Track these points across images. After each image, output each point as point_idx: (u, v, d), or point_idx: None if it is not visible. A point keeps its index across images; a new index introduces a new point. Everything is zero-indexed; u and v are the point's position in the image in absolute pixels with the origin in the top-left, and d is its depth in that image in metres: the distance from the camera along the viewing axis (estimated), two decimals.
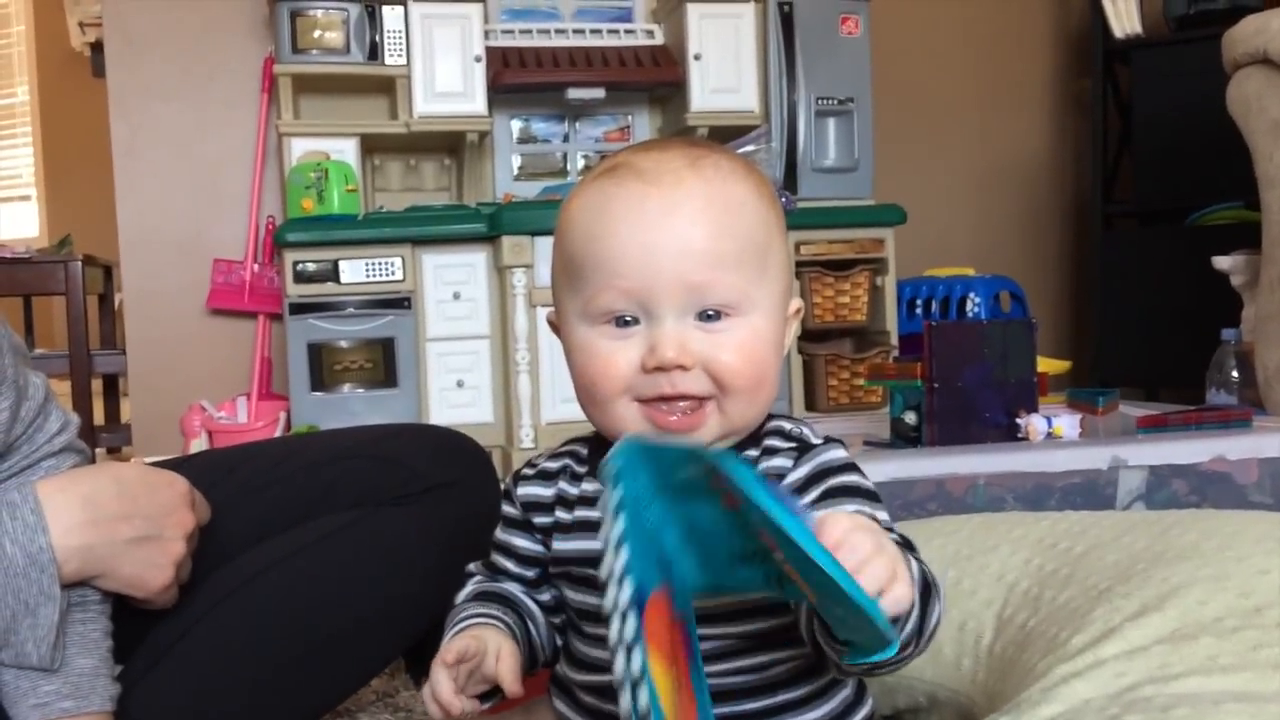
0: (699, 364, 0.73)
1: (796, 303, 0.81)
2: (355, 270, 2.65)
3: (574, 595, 0.81)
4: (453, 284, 2.73)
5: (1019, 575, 1.02)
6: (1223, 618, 0.83)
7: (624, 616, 0.58)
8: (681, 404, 0.74)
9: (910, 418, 1.70)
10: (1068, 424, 1.69)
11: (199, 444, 2.71)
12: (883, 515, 0.74)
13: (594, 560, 0.73)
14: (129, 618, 0.91)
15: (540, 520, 0.83)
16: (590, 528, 0.78)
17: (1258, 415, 1.87)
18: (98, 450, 3.19)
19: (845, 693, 0.80)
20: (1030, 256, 3.71)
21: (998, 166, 3.71)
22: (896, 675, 0.96)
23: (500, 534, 0.86)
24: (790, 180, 2.90)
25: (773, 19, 2.92)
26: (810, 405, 2.86)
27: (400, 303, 2.68)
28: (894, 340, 2.85)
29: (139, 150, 3.02)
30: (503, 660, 0.76)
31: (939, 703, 1.02)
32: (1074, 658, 0.82)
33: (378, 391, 2.68)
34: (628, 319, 0.74)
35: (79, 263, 3.08)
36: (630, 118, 3.20)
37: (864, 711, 0.81)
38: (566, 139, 3.17)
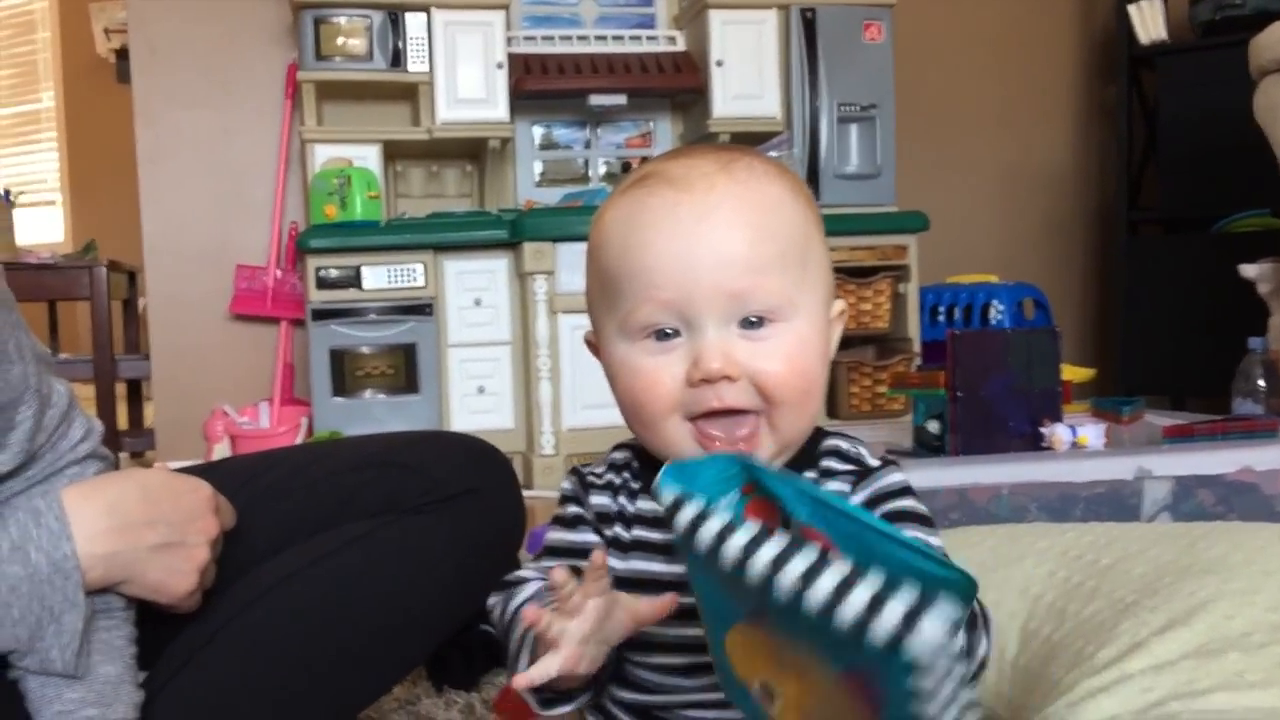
0: (745, 376, 0.70)
1: (840, 304, 0.78)
2: (377, 276, 2.66)
3: None
4: (474, 290, 2.74)
5: (1044, 588, 1.01)
6: (1250, 632, 0.82)
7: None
8: (736, 431, 0.71)
9: (933, 426, 1.69)
10: (1092, 433, 1.68)
11: (221, 449, 2.73)
12: (936, 541, 0.72)
13: (651, 583, 0.74)
14: (153, 625, 0.91)
15: (606, 533, 0.80)
16: (649, 549, 0.76)
17: None
18: (121, 455, 3.21)
19: None
20: (1054, 263, 3.69)
21: (1021, 173, 3.69)
22: None
23: (564, 534, 0.80)
24: (812, 187, 2.89)
25: (795, 25, 2.91)
26: (832, 413, 2.85)
27: (422, 309, 2.69)
28: (916, 347, 2.84)
29: (163, 156, 3.04)
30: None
31: None
32: (1100, 672, 0.81)
33: (399, 397, 2.69)
34: (668, 331, 0.71)
35: (103, 268, 3.10)
36: (652, 124, 3.20)
37: None
38: (588, 145, 3.18)
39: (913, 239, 2.88)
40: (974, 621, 0.67)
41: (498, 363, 2.76)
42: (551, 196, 3.07)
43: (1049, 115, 3.72)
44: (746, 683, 0.61)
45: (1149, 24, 3.35)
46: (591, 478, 0.81)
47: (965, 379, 1.64)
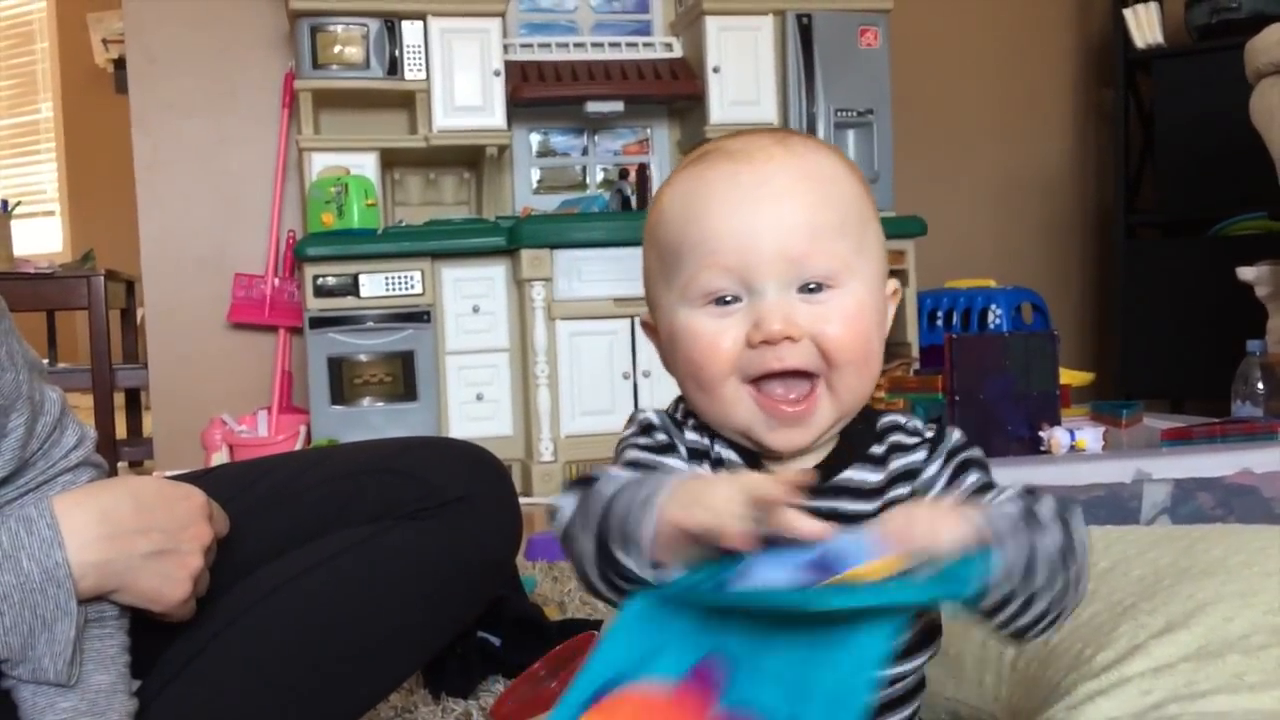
0: (806, 336, 0.71)
1: (894, 283, 0.78)
2: (375, 284, 2.66)
3: None
4: (472, 297, 2.74)
5: None
6: (1249, 634, 0.81)
7: None
8: (793, 394, 0.72)
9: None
10: (1091, 437, 1.68)
11: (220, 457, 2.72)
12: (994, 478, 0.76)
13: None
14: (147, 633, 0.91)
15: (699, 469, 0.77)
16: None
17: None
18: (120, 464, 3.20)
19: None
20: (1052, 268, 3.69)
21: (1019, 177, 3.69)
22: None
23: (655, 458, 0.76)
24: None
25: (791, 31, 2.92)
26: None
27: (420, 316, 2.69)
28: (915, 352, 2.84)
29: (161, 166, 3.04)
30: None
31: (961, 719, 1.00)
32: (1099, 675, 0.81)
33: (397, 405, 2.69)
34: (728, 298, 0.72)
35: (101, 277, 3.10)
36: (649, 130, 3.20)
37: None
38: (585, 152, 3.18)
39: (910, 244, 2.88)
40: (1032, 519, 0.66)
41: (496, 370, 2.75)
42: (549, 203, 3.07)
43: (1046, 120, 3.72)
44: None
45: (1145, 28, 3.35)
46: (679, 418, 0.79)
47: (963, 382, 1.64)
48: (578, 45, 3.00)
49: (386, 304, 2.67)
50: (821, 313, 0.71)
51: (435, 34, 2.83)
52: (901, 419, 0.79)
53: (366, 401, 2.69)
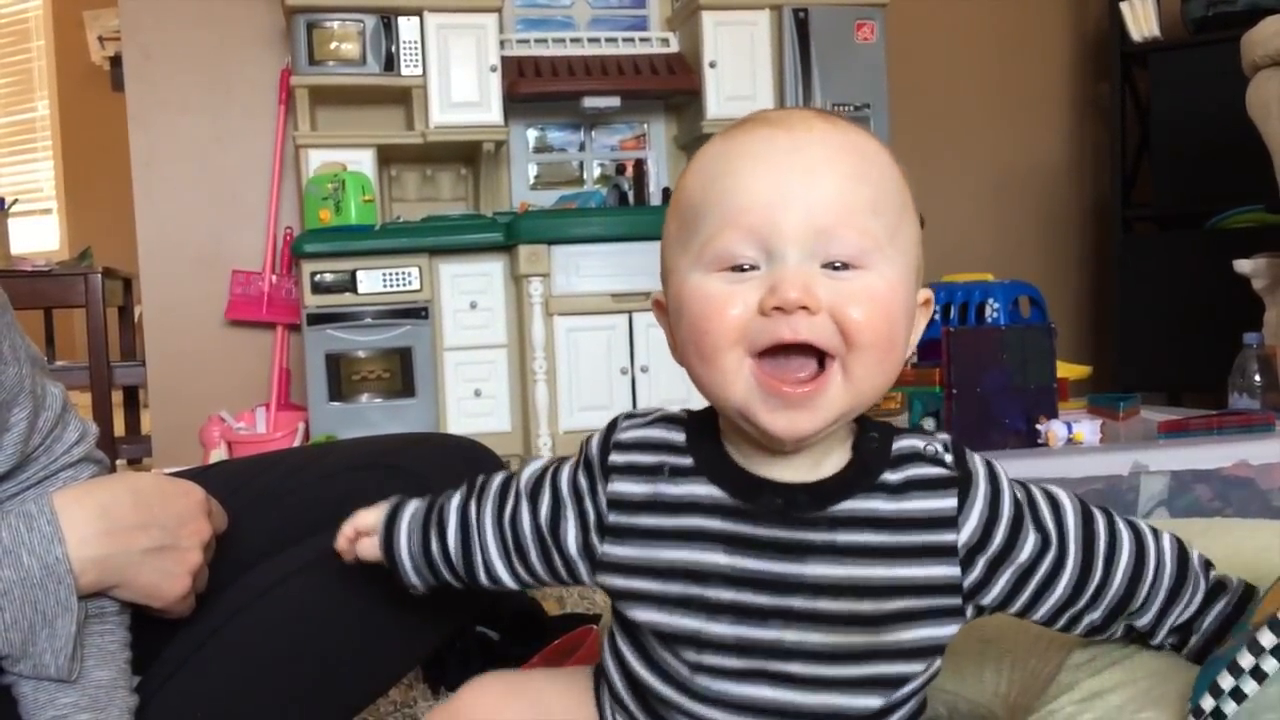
0: (825, 311, 0.64)
1: (926, 293, 0.73)
2: (373, 280, 2.66)
3: (660, 617, 0.71)
4: (470, 293, 2.73)
5: None
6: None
7: None
8: (801, 372, 0.65)
9: (929, 424, 1.69)
10: (1088, 429, 1.68)
11: (218, 455, 2.72)
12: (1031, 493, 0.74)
13: (700, 575, 0.70)
14: (147, 630, 0.91)
15: (618, 520, 0.74)
16: (699, 538, 0.70)
17: None
18: (118, 461, 3.20)
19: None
20: (1049, 262, 3.69)
21: (1015, 171, 3.69)
22: None
23: (552, 484, 0.79)
24: None
25: (788, 26, 2.92)
26: None
27: (417, 312, 2.68)
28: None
29: (158, 163, 3.03)
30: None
31: (959, 714, 1.01)
32: (1102, 673, 0.81)
33: (396, 401, 2.69)
34: (745, 266, 0.66)
35: (98, 275, 3.10)
36: (646, 126, 3.20)
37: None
38: (582, 148, 3.18)
39: None
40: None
41: (494, 365, 2.75)
42: (546, 199, 3.07)
43: (1042, 113, 3.72)
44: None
45: (1141, 21, 3.35)
46: (615, 458, 0.75)
47: (961, 376, 1.65)
48: (574, 41, 3.00)
49: (384, 300, 2.67)
50: (846, 290, 0.65)
51: (432, 29, 2.82)
52: (921, 444, 0.72)
53: (365, 398, 2.69)
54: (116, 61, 4.12)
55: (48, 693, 0.83)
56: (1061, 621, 0.75)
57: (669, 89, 2.98)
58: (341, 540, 0.88)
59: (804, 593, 0.69)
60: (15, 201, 3.64)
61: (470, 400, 2.74)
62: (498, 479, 0.84)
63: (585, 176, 3.18)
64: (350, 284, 2.65)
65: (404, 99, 2.89)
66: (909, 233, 0.71)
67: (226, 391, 2.97)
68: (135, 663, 0.89)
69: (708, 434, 0.73)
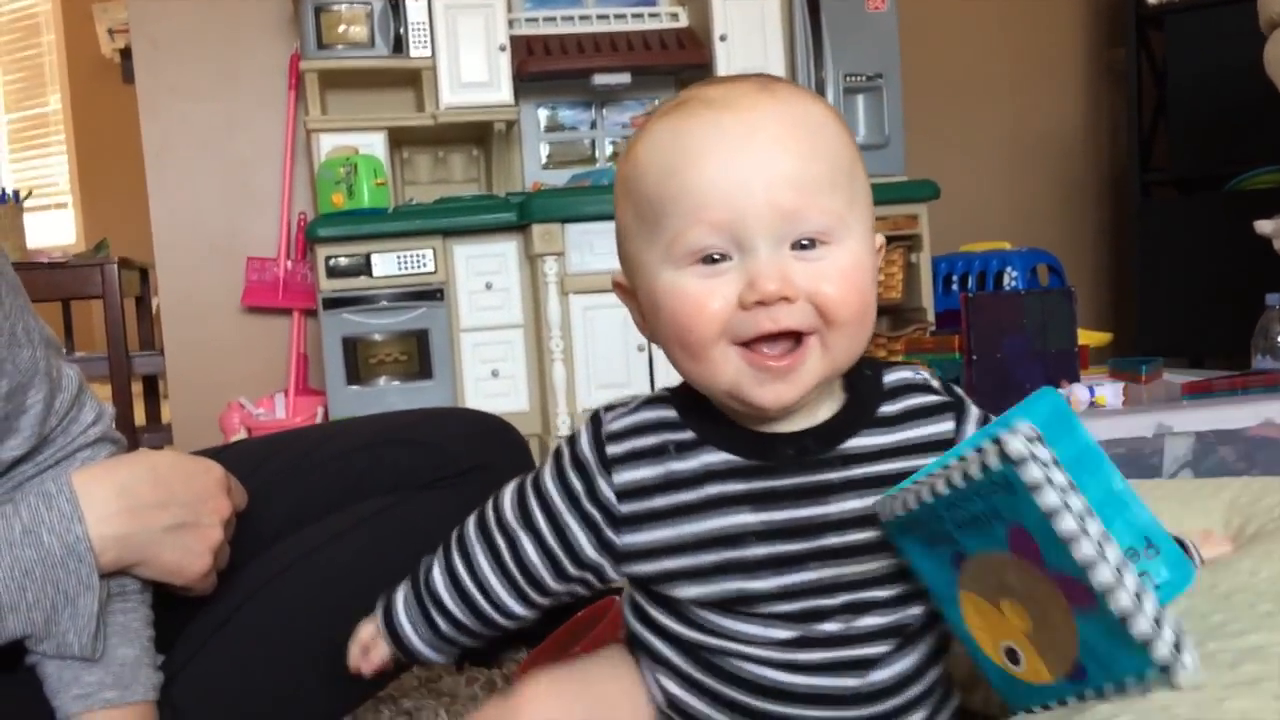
0: (802, 296, 0.67)
1: (880, 238, 0.75)
2: (387, 263, 2.65)
3: (702, 589, 0.73)
4: (484, 274, 2.73)
5: None
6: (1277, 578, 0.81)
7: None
8: (781, 344, 0.68)
9: None
10: (1111, 392, 1.67)
11: None
12: None
13: (732, 538, 0.71)
14: (169, 608, 0.91)
15: (633, 508, 0.75)
16: (723, 503, 0.72)
17: None
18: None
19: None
20: (1068, 229, 3.66)
21: (1032, 138, 3.66)
22: None
23: (559, 502, 0.79)
24: None
25: None
26: None
27: (433, 294, 2.68)
28: (930, 317, 2.82)
29: (170, 152, 3.04)
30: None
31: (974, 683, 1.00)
32: None
33: (413, 383, 2.69)
34: (716, 256, 0.68)
35: (114, 265, 3.10)
36: (657, 102, 3.18)
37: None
38: (594, 125, 3.16)
39: (923, 208, 2.86)
40: None
41: (510, 345, 2.75)
42: (559, 178, 3.06)
43: (1058, 79, 3.69)
44: (991, 656, 0.67)
45: None
46: (614, 449, 0.75)
47: (980, 341, 1.64)
48: (583, 17, 2.98)
49: (399, 283, 2.67)
50: (818, 270, 0.68)
51: (439, 10, 2.81)
52: (911, 375, 0.76)
53: (382, 381, 2.69)
54: (127, 54, 4.11)
55: (72, 671, 0.83)
56: None
57: (679, 64, 2.96)
58: (352, 662, 0.87)
59: (834, 530, 0.71)
60: (29, 194, 3.65)
61: (488, 381, 2.74)
62: (470, 526, 0.84)
63: (597, 155, 3.17)
64: (365, 267, 2.65)
65: (414, 81, 2.88)
66: (862, 192, 0.73)
67: (245, 378, 2.98)
68: (158, 641, 0.90)
69: (699, 406, 0.75)
